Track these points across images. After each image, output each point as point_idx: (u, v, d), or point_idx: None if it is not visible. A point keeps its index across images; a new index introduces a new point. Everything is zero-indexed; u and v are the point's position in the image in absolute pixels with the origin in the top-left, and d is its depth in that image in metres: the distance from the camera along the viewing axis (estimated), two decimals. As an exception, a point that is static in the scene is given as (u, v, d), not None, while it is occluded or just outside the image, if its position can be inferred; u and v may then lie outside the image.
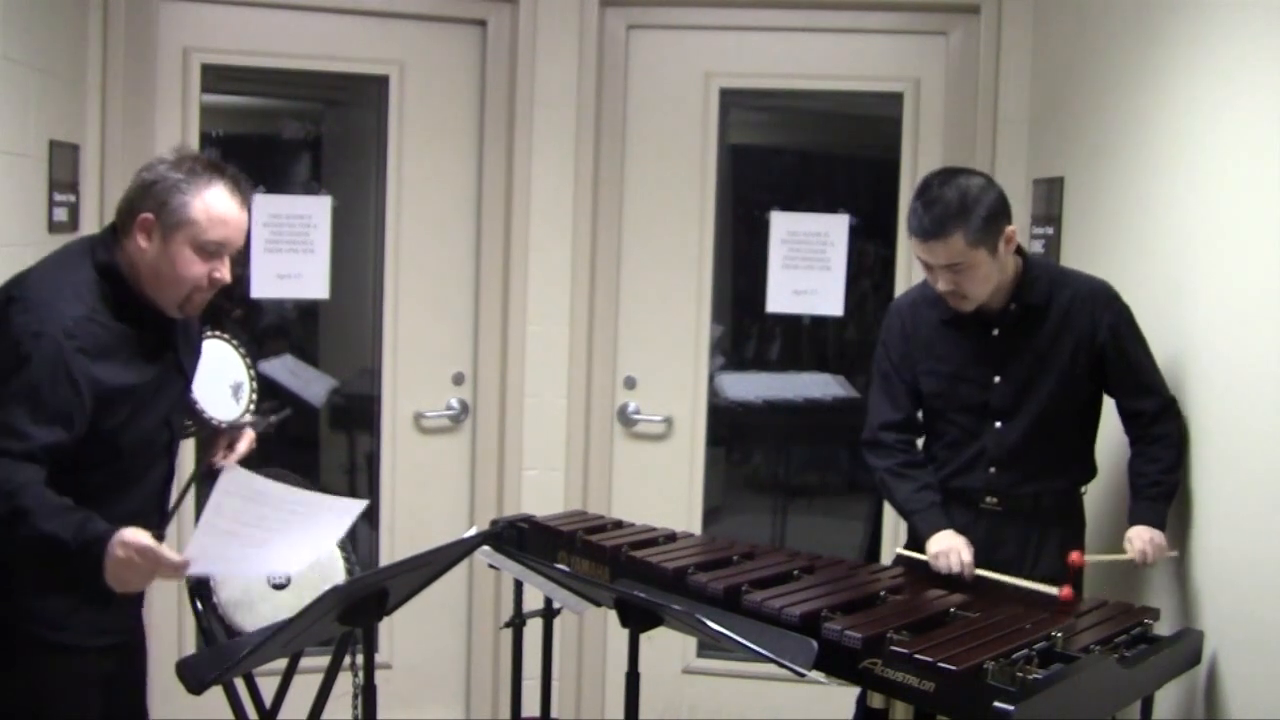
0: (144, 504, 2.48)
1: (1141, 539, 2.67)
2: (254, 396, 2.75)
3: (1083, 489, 2.95)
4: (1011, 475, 2.84)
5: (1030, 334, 2.81)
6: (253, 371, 2.77)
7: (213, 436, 2.74)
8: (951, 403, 2.89)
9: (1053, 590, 2.62)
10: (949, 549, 2.73)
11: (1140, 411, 2.80)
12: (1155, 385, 2.79)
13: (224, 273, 2.41)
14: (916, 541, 2.86)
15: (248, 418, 2.72)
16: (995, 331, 2.83)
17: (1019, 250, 2.82)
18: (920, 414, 2.98)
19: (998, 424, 2.84)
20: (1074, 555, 2.68)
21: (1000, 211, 2.71)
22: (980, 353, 2.84)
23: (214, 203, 2.36)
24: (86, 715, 2.44)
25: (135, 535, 2.16)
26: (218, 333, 2.78)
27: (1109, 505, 2.99)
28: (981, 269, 2.70)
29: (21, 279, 2.36)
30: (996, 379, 2.84)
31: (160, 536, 2.47)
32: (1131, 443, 2.82)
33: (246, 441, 2.72)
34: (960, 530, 2.80)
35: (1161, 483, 2.73)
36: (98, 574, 2.16)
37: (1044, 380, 2.81)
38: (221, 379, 2.69)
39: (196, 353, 2.60)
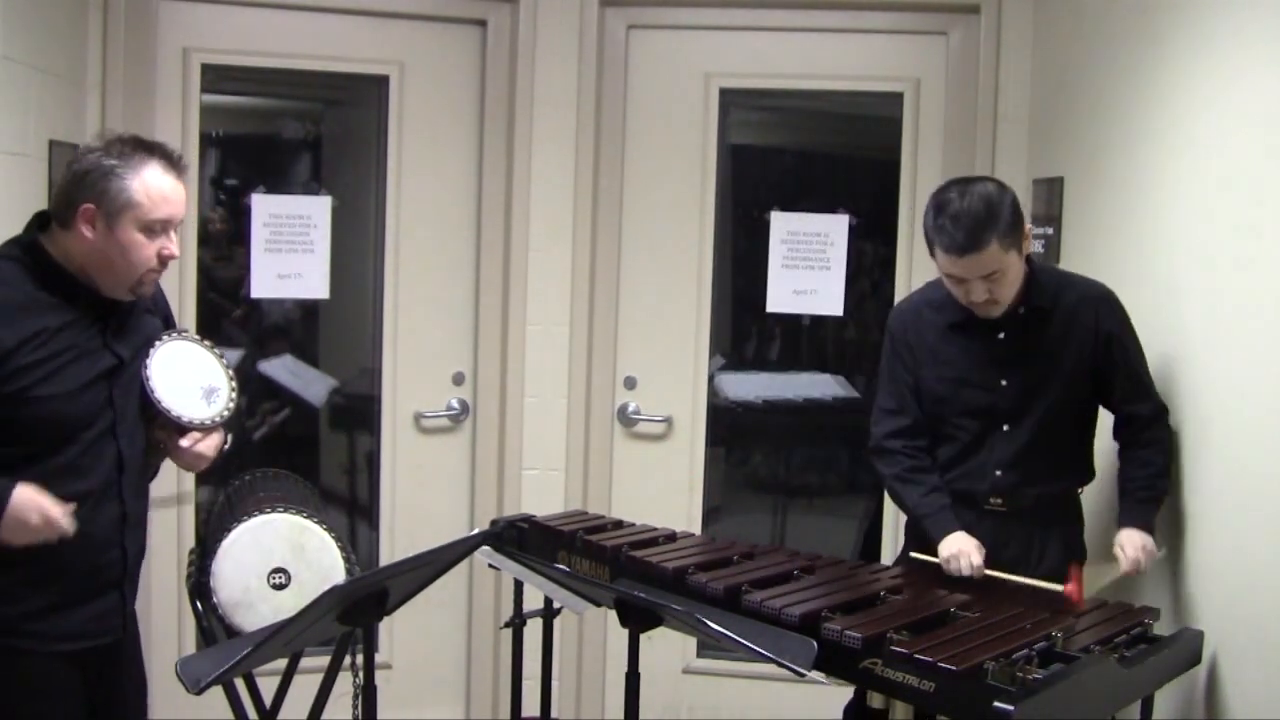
0: (100, 489, 2.43)
1: (1134, 546, 2.69)
2: (230, 403, 2.60)
3: (1080, 490, 2.96)
4: (1016, 477, 2.84)
5: (1036, 337, 2.81)
6: (232, 379, 2.63)
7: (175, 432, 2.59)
8: (956, 407, 2.89)
9: (1057, 587, 2.63)
10: (959, 552, 2.74)
11: (1136, 415, 2.81)
12: (1150, 390, 2.81)
13: (172, 248, 2.43)
14: (925, 544, 2.86)
15: (208, 422, 2.56)
16: (1001, 335, 2.83)
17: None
18: (924, 418, 2.97)
19: (1005, 427, 2.84)
20: (1071, 581, 2.64)
21: (1019, 211, 2.74)
22: (987, 356, 2.84)
23: (153, 181, 2.37)
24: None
25: (36, 494, 2.26)
26: (198, 337, 2.68)
27: (1103, 507, 3.00)
28: (1013, 271, 2.73)
29: None
30: (1003, 382, 2.84)
31: (126, 537, 2.50)
32: (1123, 447, 2.84)
33: (209, 442, 2.58)
34: (964, 529, 2.81)
35: (1154, 486, 2.76)
36: None
37: (1051, 383, 2.81)
38: (195, 380, 2.58)
39: (145, 341, 2.54)
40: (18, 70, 3.00)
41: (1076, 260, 3.38)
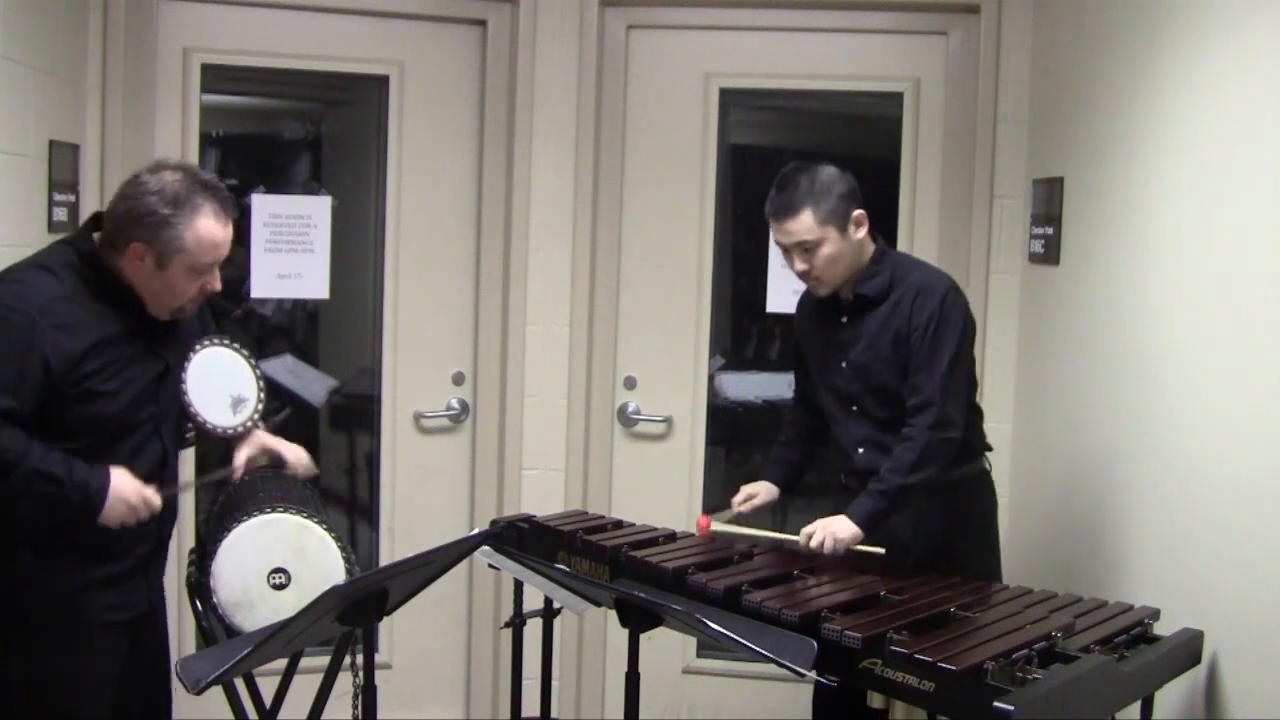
0: (144, 481, 2.58)
1: (815, 526, 2.82)
2: (256, 415, 2.80)
3: (985, 464, 3.05)
4: (875, 457, 2.90)
5: (867, 323, 2.94)
6: (262, 389, 2.81)
7: (214, 443, 2.83)
8: (823, 385, 3.07)
9: (793, 538, 2.85)
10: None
11: (912, 405, 2.86)
12: (931, 386, 2.84)
13: (215, 283, 2.60)
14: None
15: (230, 430, 2.78)
16: (843, 319, 2.98)
17: (876, 241, 2.97)
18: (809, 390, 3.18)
19: (854, 408, 2.99)
20: (701, 521, 2.97)
21: (849, 194, 2.90)
22: (832, 340, 3.01)
23: (205, 232, 2.52)
24: (103, 689, 2.61)
25: (129, 476, 2.49)
26: (235, 345, 2.83)
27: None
28: (829, 248, 2.87)
29: (13, 266, 2.56)
30: (843, 365, 2.99)
31: (163, 522, 2.71)
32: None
33: (243, 451, 2.80)
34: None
35: (883, 478, 2.82)
36: (91, 511, 2.45)
37: (876, 368, 2.94)
38: (225, 388, 2.76)
39: (185, 348, 2.73)
40: (18, 70, 3.00)
41: (1076, 260, 3.39)
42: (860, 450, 2.98)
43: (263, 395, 2.79)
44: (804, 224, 2.85)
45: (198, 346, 2.73)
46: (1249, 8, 2.48)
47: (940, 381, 2.84)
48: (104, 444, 2.54)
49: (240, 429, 2.78)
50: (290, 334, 4.21)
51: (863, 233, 2.92)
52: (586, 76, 3.94)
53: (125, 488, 2.48)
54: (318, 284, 3.93)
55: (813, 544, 2.79)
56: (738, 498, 3.12)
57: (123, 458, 2.56)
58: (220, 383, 2.74)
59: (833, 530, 2.79)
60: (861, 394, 2.97)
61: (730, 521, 3.02)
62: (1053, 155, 3.60)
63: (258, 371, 2.80)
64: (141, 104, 3.63)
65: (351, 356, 4.19)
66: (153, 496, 2.51)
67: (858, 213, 2.91)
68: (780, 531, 2.95)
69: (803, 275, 2.94)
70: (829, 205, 2.86)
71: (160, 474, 2.65)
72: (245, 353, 2.80)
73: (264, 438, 2.83)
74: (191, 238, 2.49)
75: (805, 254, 2.88)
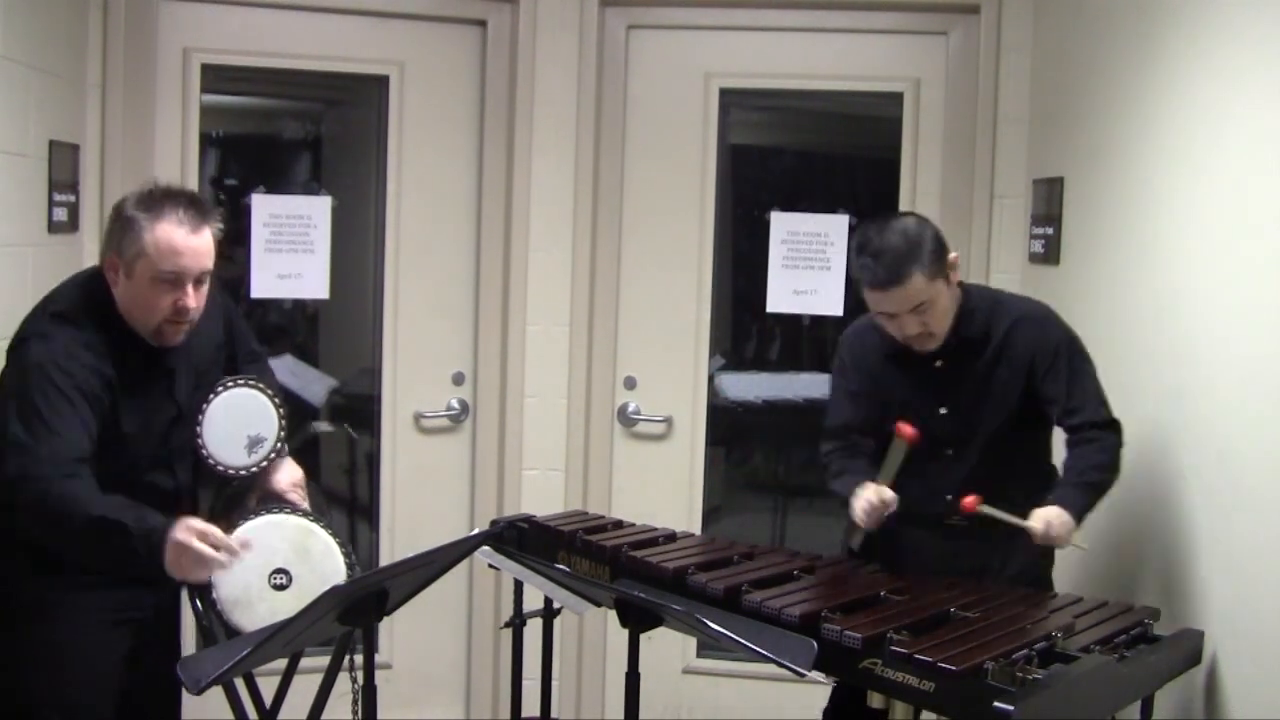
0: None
1: (1047, 513, 2.65)
2: (272, 456, 2.83)
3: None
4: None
5: (971, 365, 2.83)
6: (283, 431, 2.84)
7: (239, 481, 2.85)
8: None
9: (1023, 523, 2.65)
10: (855, 498, 2.77)
11: (1075, 424, 2.79)
12: (1094, 401, 2.79)
13: (187, 300, 2.53)
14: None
15: (243, 471, 2.81)
16: (938, 363, 2.85)
17: (959, 282, 2.85)
18: (867, 426, 2.96)
19: (949, 452, 2.86)
20: (968, 500, 2.71)
21: (942, 242, 2.76)
22: (924, 385, 2.86)
23: (162, 235, 2.48)
24: (96, 681, 2.62)
25: (194, 521, 2.43)
26: (261, 385, 2.86)
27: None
28: (942, 301, 2.75)
29: (32, 319, 2.56)
30: (942, 410, 2.86)
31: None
32: (1067, 447, 2.82)
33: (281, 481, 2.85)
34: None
35: (1084, 472, 2.74)
36: (157, 562, 2.39)
37: (987, 409, 2.83)
38: (244, 429, 2.80)
39: (202, 385, 2.75)
40: (18, 70, 3.00)
41: (1076, 260, 3.39)
42: (950, 496, 2.82)
43: (282, 435, 2.83)
44: (917, 287, 2.68)
45: (219, 388, 2.78)
46: (1249, 8, 2.48)
47: (1098, 395, 2.80)
48: (113, 474, 2.55)
49: (251, 470, 2.81)
50: (290, 334, 4.21)
51: (957, 275, 2.80)
52: (586, 76, 3.94)
53: (179, 551, 2.41)
54: (318, 284, 3.93)
55: (1049, 535, 2.63)
56: (875, 513, 2.76)
57: (134, 486, 2.59)
58: (240, 423, 2.79)
59: (1063, 520, 2.64)
60: (965, 438, 2.84)
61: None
62: (1053, 155, 3.60)
63: (281, 412, 2.84)
64: (141, 104, 3.63)
65: (351, 356, 4.19)
66: (213, 555, 2.44)
67: (953, 256, 2.77)
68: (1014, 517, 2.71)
69: (914, 338, 2.76)
70: (929, 259, 2.69)
71: (172, 509, 2.65)
72: (270, 392, 2.84)
73: (274, 483, 2.85)
74: (149, 241, 2.46)
75: (918, 317, 2.72)
